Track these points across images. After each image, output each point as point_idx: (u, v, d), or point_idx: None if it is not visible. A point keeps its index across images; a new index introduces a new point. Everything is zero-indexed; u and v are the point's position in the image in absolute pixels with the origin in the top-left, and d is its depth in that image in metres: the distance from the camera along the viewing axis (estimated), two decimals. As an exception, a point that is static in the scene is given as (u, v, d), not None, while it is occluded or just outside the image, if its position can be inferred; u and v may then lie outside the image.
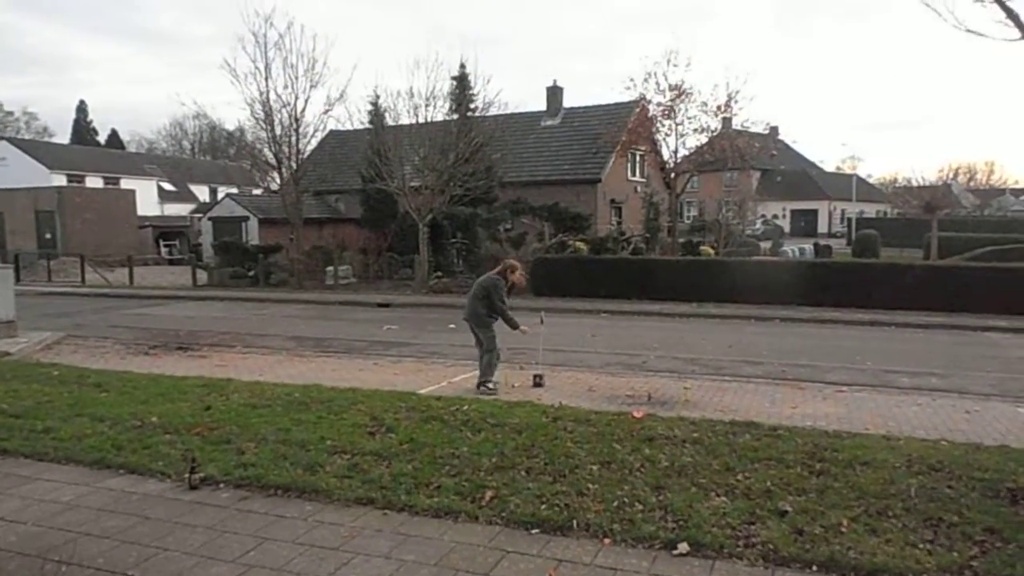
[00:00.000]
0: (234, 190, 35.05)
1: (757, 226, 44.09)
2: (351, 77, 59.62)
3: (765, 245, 33.91)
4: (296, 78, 23.40)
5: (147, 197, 45.76)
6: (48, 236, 34.19)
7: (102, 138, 65.20)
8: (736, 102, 23.50)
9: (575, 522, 4.46)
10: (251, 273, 24.72)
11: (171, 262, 35.77)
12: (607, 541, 4.27)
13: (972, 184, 64.92)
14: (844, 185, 60.50)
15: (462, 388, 8.85)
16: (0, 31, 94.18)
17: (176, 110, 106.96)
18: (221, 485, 5.27)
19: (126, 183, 45.81)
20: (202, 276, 25.57)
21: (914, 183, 37.68)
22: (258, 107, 23.73)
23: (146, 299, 21.50)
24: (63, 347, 12.63)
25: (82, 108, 66.48)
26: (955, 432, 6.81)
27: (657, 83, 23.59)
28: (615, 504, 4.70)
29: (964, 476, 5.15)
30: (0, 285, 12.88)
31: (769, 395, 8.64)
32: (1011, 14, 5.01)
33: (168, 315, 17.83)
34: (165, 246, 38.53)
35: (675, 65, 23.66)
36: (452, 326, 14.26)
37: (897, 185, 47.91)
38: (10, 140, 50.21)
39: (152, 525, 4.61)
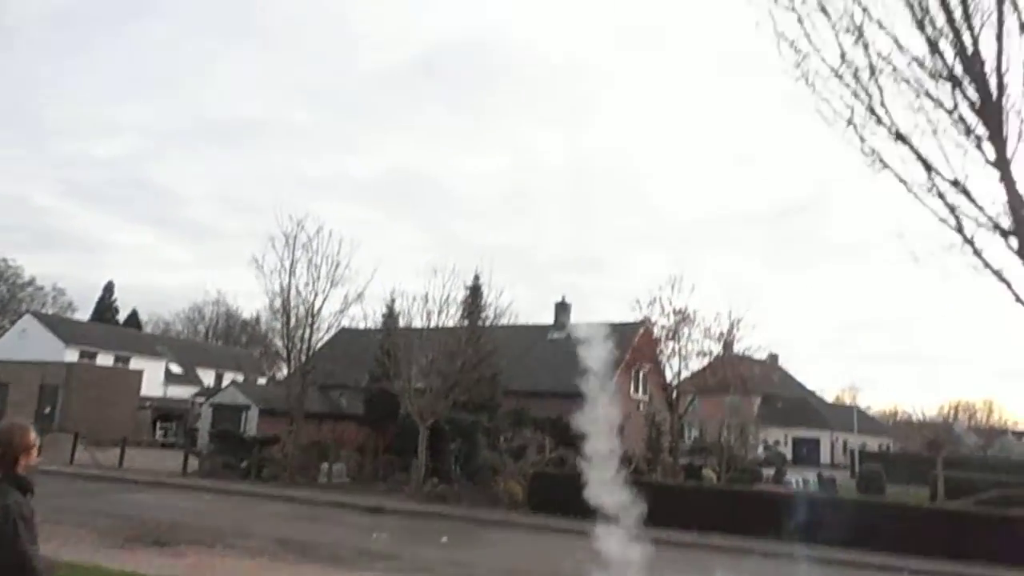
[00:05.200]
0: (240, 377, 35.45)
1: (759, 452, 43.43)
2: (370, 279, 61.53)
3: (768, 472, 33.25)
4: (318, 277, 24.66)
5: (153, 378, 46.08)
6: (47, 411, 34.14)
7: (122, 316, 66.78)
8: (738, 330, 24.37)
9: None
10: (243, 464, 24.27)
11: (163, 445, 35.27)
12: None
13: (973, 423, 64.77)
14: (845, 416, 60.30)
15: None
16: (44, 213, 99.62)
17: (197, 295, 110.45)
18: None
19: (136, 363, 46.37)
20: (194, 463, 25.06)
21: (914, 418, 37.69)
22: (277, 300, 24.79)
23: (133, 484, 21.00)
24: (40, 532, 12.17)
25: (109, 288, 68.75)
26: None
27: (662, 306, 24.64)
28: None
29: None
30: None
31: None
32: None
33: (153, 503, 17.33)
34: (161, 428, 38.29)
35: (679, 290, 24.79)
36: (444, 539, 13.75)
37: (898, 419, 47.88)
38: (34, 314, 51.63)
39: None
